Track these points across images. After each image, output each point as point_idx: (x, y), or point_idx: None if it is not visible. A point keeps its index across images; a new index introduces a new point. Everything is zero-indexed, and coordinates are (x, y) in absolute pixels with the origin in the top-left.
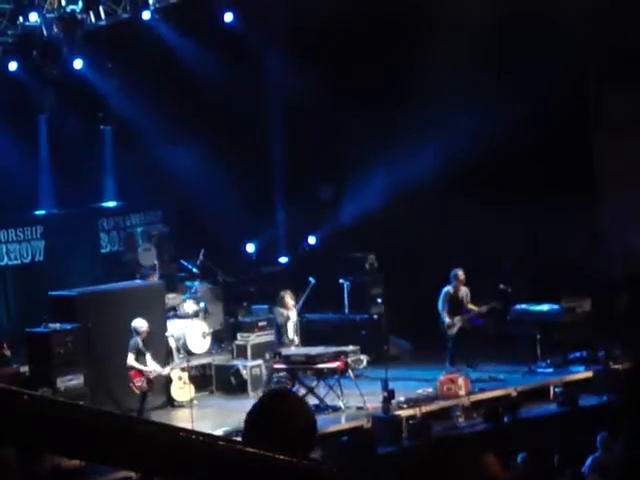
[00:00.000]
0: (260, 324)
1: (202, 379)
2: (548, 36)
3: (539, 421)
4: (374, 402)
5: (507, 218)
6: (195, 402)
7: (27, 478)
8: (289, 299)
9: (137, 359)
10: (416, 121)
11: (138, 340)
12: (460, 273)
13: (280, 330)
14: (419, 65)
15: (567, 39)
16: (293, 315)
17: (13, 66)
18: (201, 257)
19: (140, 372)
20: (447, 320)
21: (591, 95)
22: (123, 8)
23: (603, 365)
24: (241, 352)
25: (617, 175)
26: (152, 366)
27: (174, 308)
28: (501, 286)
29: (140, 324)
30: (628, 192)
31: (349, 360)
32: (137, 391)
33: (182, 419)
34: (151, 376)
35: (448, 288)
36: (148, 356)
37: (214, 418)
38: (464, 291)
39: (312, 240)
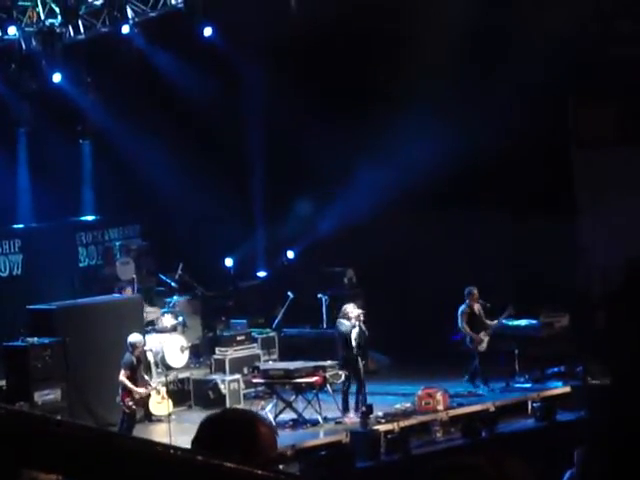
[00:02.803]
0: (239, 338)
1: (180, 393)
2: (527, 53)
3: (517, 436)
4: (352, 417)
5: (486, 234)
6: (173, 417)
7: None
8: (352, 310)
9: (131, 377)
10: (396, 137)
11: (132, 358)
12: (475, 291)
13: (346, 341)
14: (398, 81)
15: (546, 56)
16: (356, 327)
17: None
18: (180, 271)
19: (130, 392)
20: (475, 336)
21: (570, 112)
22: (102, 22)
23: (581, 380)
24: (219, 366)
25: (596, 191)
26: (148, 379)
27: (152, 322)
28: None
29: (137, 339)
30: (607, 208)
31: (327, 375)
32: (126, 410)
33: (160, 433)
34: (137, 396)
35: (464, 307)
36: (144, 371)
37: (192, 433)
38: (477, 307)
39: (291, 254)
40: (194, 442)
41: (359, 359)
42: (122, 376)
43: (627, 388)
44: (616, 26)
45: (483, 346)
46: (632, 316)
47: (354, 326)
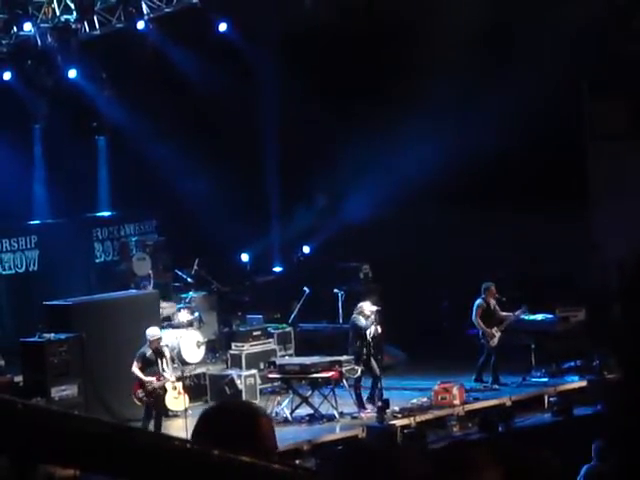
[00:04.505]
0: (255, 333)
1: (196, 389)
2: (541, 47)
3: (534, 430)
4: (368, 412)
5: (502, 229)
6: (189, 412)
7: None
8: (368, 307)
9: (143, 369)
10: (412, 131)
11: (146, 349)
12: (493, 287)
13: (362, 337)
14: (411, 74)
15: (561, 50)
16: (373, 324)
17: (7, 76)
18: (196, 267)
19: (141, 384)
20: (487, 331)
21: (584, 106)
22: (117, 18)
23: (597, 375)
24: (235, 362)
25: (611, 185)
26: (167, 375)
27: (168, 318)
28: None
29: (150, 332)
30: (621, 201)
31: (343, 370)
32: (138, 403)
33: (176, 429)
34: (150, 387)
35: (480, 301)
36: (165, 364)
37: None
38: (493, 302)
39: (307, 249)
40: (194, 435)
41: (373, 355)
42: (134, 367)
43: None
44: (631, 22)
45: (495, 341)
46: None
47: (372, 323)
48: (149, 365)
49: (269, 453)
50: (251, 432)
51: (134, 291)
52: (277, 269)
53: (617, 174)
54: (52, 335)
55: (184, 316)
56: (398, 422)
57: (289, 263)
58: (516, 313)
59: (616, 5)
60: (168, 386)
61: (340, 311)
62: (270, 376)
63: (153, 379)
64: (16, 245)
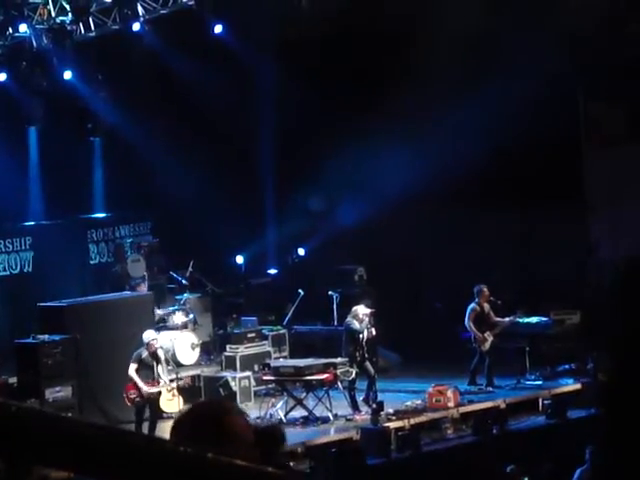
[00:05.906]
0: (249, 335)
1: (191, 390)
2: (540, 51)
3: (528, 433)
4: (363, 414)
5: (497, 232)
6: None
7: None
8: (362, 311)
9: (139, 370)
10: (407, 134)
11: (143, 351)
12: (485, 289)
13: (356, 340)
14: (407, 76)
15: (559, 55)
16: (368, 327)
17: (2, 77)
18: (190, 269)
19: (135, 385)
20: (479, 335)
21: (582, 110)
22: (113, 19)
23: (592, 377)
24: (230, 363)
25: (609, 189)
26: (164, 377)
27: (163, 319)
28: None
29: (146, 335)
30: (618, 206)
31: (338, 372)
32: (129, 403)
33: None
34: (144, 392)
35: (474, 305)
36: (161, 368)
37: None
38: (487, 306)
39: (302, 252)
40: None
41: (367, 358)
42: (131, 369)
43: (631, 384)
44: (629, 26)
45: (486, 346)
46: (629, 313)
47: (366, 326)
48: (145, 368)
49: (241, 449)
50: (218, 434)
51: (129, 293)
52: (272, 271)
53: (614, 178)
54: (46, 336)
55: (179, 318)
56: (392, 424)
57: (284, 265)
58: (510, 319)
59: (614, 9)
60: (162, 388)
61: (335, 313)
62: (264, 378)
63: (146, 388)
64: (10, 246)
